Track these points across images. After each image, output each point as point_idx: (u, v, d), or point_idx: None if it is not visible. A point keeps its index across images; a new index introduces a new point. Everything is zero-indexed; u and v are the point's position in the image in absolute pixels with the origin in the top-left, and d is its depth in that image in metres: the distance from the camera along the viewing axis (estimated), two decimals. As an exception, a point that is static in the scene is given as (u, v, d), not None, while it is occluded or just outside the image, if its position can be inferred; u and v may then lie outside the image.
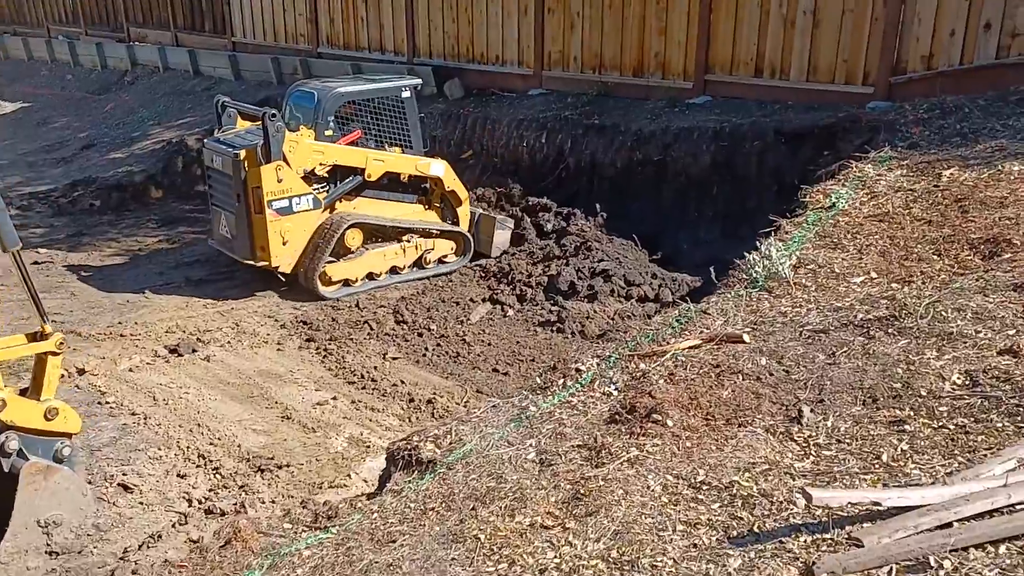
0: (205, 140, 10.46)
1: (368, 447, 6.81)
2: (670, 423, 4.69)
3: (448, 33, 14.92)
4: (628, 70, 12.83)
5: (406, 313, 9.36)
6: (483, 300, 9.96)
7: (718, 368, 5.36)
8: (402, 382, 7.80)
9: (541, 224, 11.31)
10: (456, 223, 11.15)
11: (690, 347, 5.78)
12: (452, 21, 14.81)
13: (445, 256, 11.00)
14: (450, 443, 5.14)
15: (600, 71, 13.12)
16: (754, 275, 6.93)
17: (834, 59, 10.89)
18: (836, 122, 10.18)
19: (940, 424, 4.20)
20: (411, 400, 7.49)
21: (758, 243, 7.54)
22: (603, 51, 13.02)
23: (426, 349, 8.57)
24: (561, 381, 5.65)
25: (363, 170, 10.17)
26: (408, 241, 10.62)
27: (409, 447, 5.17)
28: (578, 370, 5.71)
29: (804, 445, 4.30)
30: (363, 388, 7.75)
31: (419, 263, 10.78)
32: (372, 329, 8.99)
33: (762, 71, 11.52)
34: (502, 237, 11.28)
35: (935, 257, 6.66)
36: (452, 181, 10.98)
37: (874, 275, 6.57)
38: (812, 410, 4.58)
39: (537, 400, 5.50)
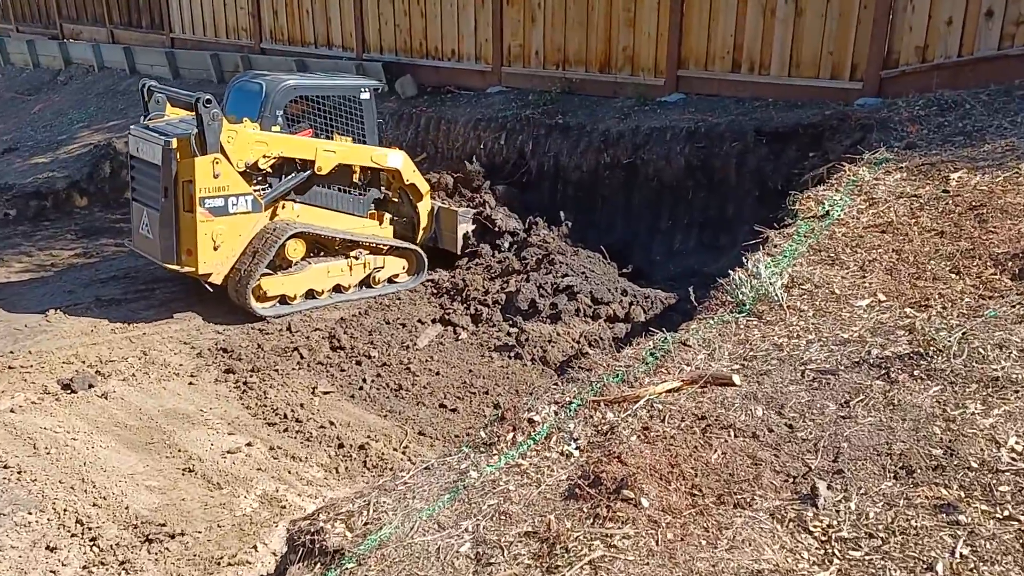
0: (132, 127, 9.25)
1: (283, 508, 5.66)
2: (645, 502, 3.61)
3: (400, 27, 13.80)
4: (594, 66, 11.79)
5: (344, 337, 8.22)
6: (433, 321, 8.84)
7: (704, 420, 4.30)
8: (332, 423, 6.66)
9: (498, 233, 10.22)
10: (413, 236, 10.13)
11: (668, 391, 4.72)
12: (404, 14, 13.69)
13: (396, 275, 9.85)
14: (365, 523, 4.02)
15: (564, 67, 12.07)
16: (740, 297, 5.90)
17: (819, 51, 9.93)
18: (822, 120, 9.20)
19: (1006, 514, 3.16)
20: (341, 446, 6.36)
21: (743, 258, 6.51)
22: (567, 45, 11.98)
23: (364, 381, 7.44)
24: (510, 436, 4.55)
25: (312, 163, 9.02)
26: (356, 257, 9.52)
27: (313, 530, 4.04)
28: (531, 421, 4.61)
29: (824, 540, 3.24)
30: (285, 431, 6.60)
31: (367, 282, 9.65)
32: (303, 357, 7.83)
33: (740, 65, 10.54)
34: (466, 231, 10.26)
35: (953, 276, 5.66)
36: (411, 173, 9.96)
37: (882, 297, 5.56)
38: (829, 486, 3.52)
39: (480, 461, 4.40)
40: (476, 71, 12.99)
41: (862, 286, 5.77)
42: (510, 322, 8.67)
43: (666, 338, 5.53)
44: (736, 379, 4.67)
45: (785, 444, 3.95)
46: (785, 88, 10.14)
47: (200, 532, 5.39)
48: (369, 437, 6.51)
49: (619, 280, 9.23)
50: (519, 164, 11.17)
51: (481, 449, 4.54)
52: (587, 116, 11.00)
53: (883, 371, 4.39)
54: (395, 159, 9.76)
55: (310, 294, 9.22)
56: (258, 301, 8.78)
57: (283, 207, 9.03)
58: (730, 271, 6.22)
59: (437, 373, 7.68)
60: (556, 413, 4.67)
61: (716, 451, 3.98)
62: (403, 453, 6.29)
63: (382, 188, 10.06)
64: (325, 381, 7.46)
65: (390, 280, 9.81)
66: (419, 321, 8.78)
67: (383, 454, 6.24)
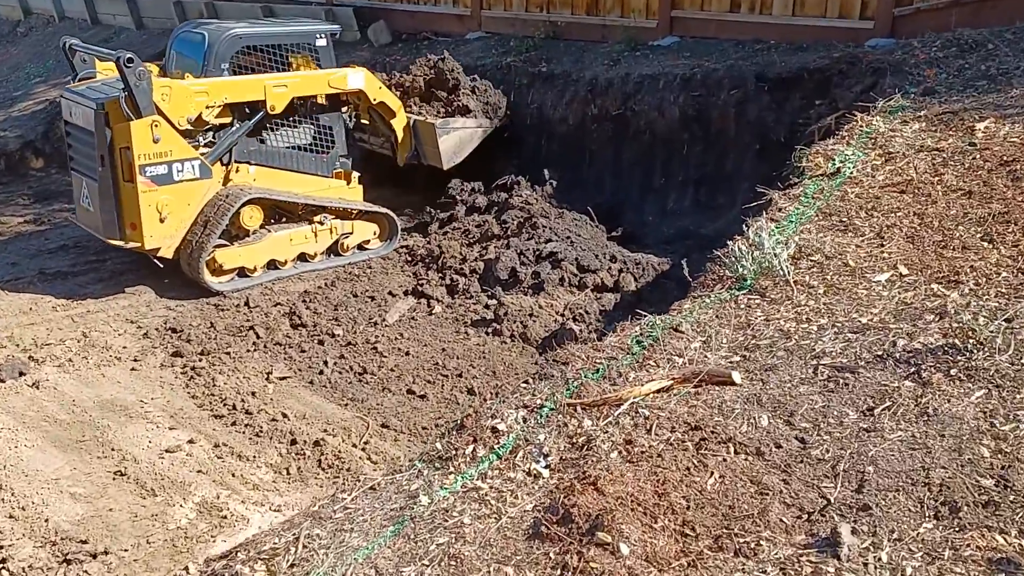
0: (64, 90, 8.42)
1: (224, 518, 5.00)
2: (625, 548, 2.92)
3: (373, -32, 12.82)
4: (581, 8, 10.87)
5: (306, 313, 7.49)
6: (405, 293, 8.10)
7: (698, 432, 3.60)
8: (285, 415, 5.96)
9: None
10: (395, 156, 9.49)
11: (657, 391, 4.02)
12: (377, -46, 12.71)
13: (367, 241, 9.06)
14: (291, 564, 3.34)
15: (548, 9, 11.15)
16: (741, 271, 5.17)
17: (826, -12, 9.04)
18: (830, 64, 8.36)
19: (1086, 577, 2.47)
20: (294, 442, 5.67)
21: (743, 224, 5.76)
22: (552, -14, 11.05)
23: (325, 364, 6.73)
24: (470, 448, 3.85)
25: (264, 103, 8.17)
26: (321, 223, 8.71)
27: (228, 574, 3.36)
28: (495, 431, 3.91)
29: (850, 609, 2.56)
30: (232, 425, 5.91)
31: (335, 249, 8.89)
32: (259, 337, 7.11)
33: (739, 5, 9.64)
34: (451, 142, 9.38)
35: (986, 244, 4.92)
36: (377, 91, 9.05)
37: (904, 271, 4.82)
38: (854, 529, 2.83)
39: (433, 481, 3.71)
40: (454, 15, 12.05)
41: (880, 257, 5.04)
42: (488, 293, 7.94)
43: (655, 322, 4.81)
44: (736, 377, 3.96)
45: (797, 465, 3.26)
46: (789, 29, 9.25)
47: (126, 551, 4.73)
48: (326, 431, 5.82)
49: (608, 245, 8.47)
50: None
51: (436, 465, 3.85)
52: (573, 63, 10.13)
53: (912, 369, 3.68)
54: (356, 79, 8.80)
55: (272, 265, 8.45)
56: (214, 275, 8.03)
57: (237, 171, 8.21)
58: (728, 241, 5.47)
59: (407, 353, 6.97)
60: (524, 420, 3.96)
61: (713, 474, 3.29)
62: (363, 450, 5.61)
63: (351, 116, 9.23)
64: (282, 365, 6.75)
65: (360, 247, 9.04)
66: (390, 293, 8.05)
67: (340, 452, 5.56)
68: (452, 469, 3.75)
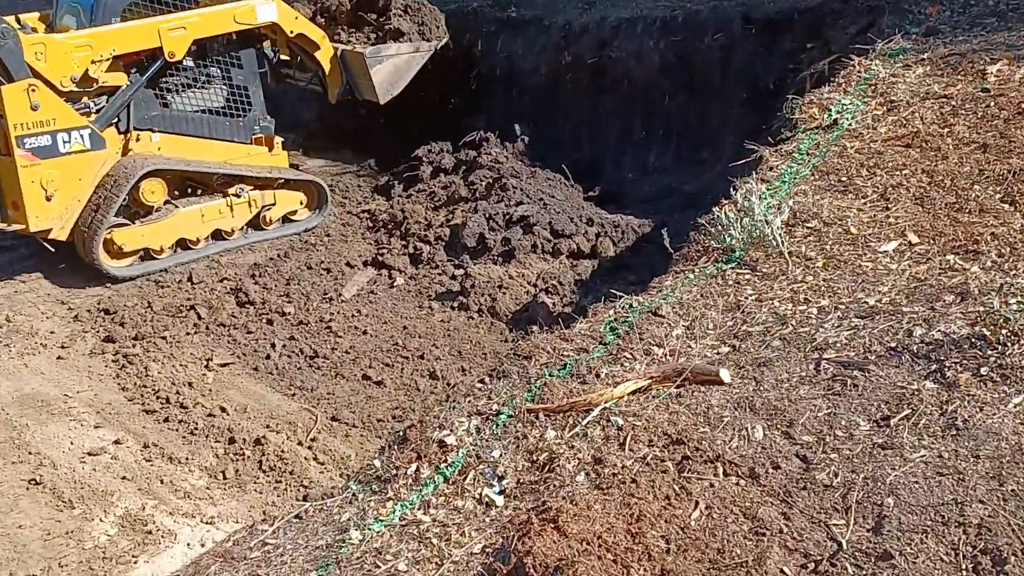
0: None
1: (149, 534, 4.43)
2: (591, 613, 2.35)
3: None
4: (553, -54, 10.04)
5: (254, 289, 6.85)
6: (365, 263, 7.46)
7: (680, 447, 3.02)
8: (224, 409, 5.36)
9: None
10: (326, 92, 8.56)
11: (632, 392, 3.43)
12: None
13: (294, 212, 8.15)
14: (192, 625, 2.77)
15: (518, -52, 10.31)
16: (729, 240, 4.55)
17: (818, -81, 8.27)
18: (823, 3, 7.67)
19: None
20: (232, 440, 5.08)
21: (731, 186, 5.13)
22: (521, -78, 10.19)
23: (272, 347, 6.11)
24: (413, 468, 3.27)
25: (161, 50, 7.16)
26: (237, 195, 7.68)
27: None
28: (442, 445, 3.32)
29: None
30: (165, 421, 5.31)
31: (256, 224, 7.92)
32: (201, 318, 6.48)
33: (723, -60, 8.87)
34: (385, 72, 8.31)
35: (1007, 206, 4.32)
36: (294, 22, 7.94)
37: (914, 239, 4.23)
38: (875, 588, 2.26)
39: (368, 510, 3.13)
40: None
41: (886, 222, 4.43)
42: (455, 262, 7.31)
43: (631, 304, 4.21)
44: (725, 375, 3.37)
45: (799, 493, 2.69)
46: (777, -35, 8.51)
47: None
48: (269, 427, 5.24)
49: (584, 206, 7.83)
50: (467, 69, 9.58)
51: (372, 488, 3.27)
52: (544, 7, 9.37)
53: (933, 366, 3.10)
54: (267, 10, 7.66)
55: (182, 244, 7.50)
56: (113, 258, 7.14)
57: (137, 140, 7.27)
58: (714, 207, 4.84)
59: (364, 332, 6.36)
60: (478, 430, 3.38)
61: (698, 504, 2.72)
62: (309, 448, 5.04)
63: (270, 53, 8.16)
64: (224, 349, 6.14)
65: (286, 219, 8.12)
66: (348, 264, 7.40)
67: (284, 451, 4.98)
68: (391, 494, 3.17)
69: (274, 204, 7.96)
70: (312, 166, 9.85)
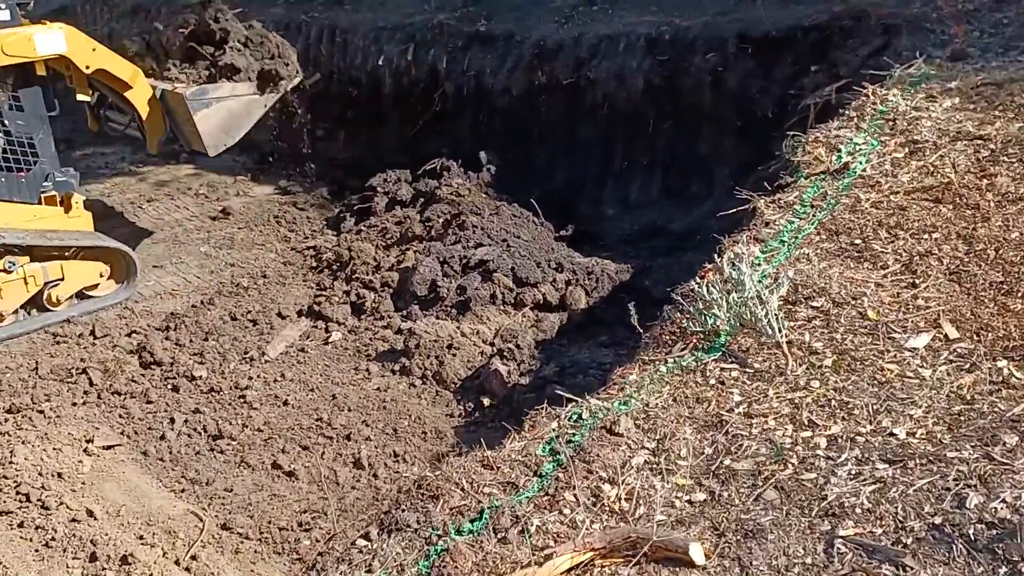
0: None
1: None
2: None
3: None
4: (531, -47, 9.11)
5: (163, 347, 5.86)
6: (299, 313, 6.47)
7: None
8: (92, 513, 4.35)
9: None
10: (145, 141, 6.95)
11: (566, 572, 2.44)
12: None
13: (94, 286, 6.65)
14: None
15: (493, -44, 9.37)
16: (712, 323, 3.57)
17: (824, -75, 7.33)
18: (830, 20, 6.72)
19: None
20: (93, 557, 4.08)
21: (717, 250, 4.14)
22: (496, -73, 9.25)
23: (171, 422, 5.12)
24: None
25: None
26: (6, 270, 6.10)
27: None
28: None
29: None
30: (19, 527, 4.30)
31: (40, 303, 6.38)
32: (94, 384, 5.48)
33: (718, -52, 7.93)
34: (215, 119, 6.78)
35: (1071, 290, 3.35)
36: (91, 55, 6.36)
37: (952, 332, 3.24)
38: None
39: None
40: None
41: (914, 305, 3.45)
42: (403, 313, 6.33)
43: (580, 415, 3.22)
44: (696, 553, 2.38)
45: None
46: (778, -23, 7.56)
47: None
48: (143, 538, 4.23)
49: (555, 248, 6.85)
50: (432, 87, 8.61)
51: None
52: (517, 21, 8.40)
53: (1003, 569, 2.10)
54: (52, 41, 6.10)
55: None
56: None
57: None
58: (696, 279, 3.86)
59: (284, 403, 5.37)
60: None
61: None
62: (186, 570, 4.02)
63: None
64: (112, 426, 5.14)
65: (82, 294, 6.62)
66: (279, 314, 6.40)
67: (152, 574, 3.96)
68: None
69: (62, 279, 6.42)
70: (260, 193, 8.91)
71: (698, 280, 3.82)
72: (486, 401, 5.31)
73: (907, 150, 4.56)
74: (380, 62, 8.78)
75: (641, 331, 3.86)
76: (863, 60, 6.28)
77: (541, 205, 7.42)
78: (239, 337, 6.09)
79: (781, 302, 3.64)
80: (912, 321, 3.36)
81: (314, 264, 7.29)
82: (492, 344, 5.90)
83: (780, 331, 3.39)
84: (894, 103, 5.07)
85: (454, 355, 5.70)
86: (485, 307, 6.20)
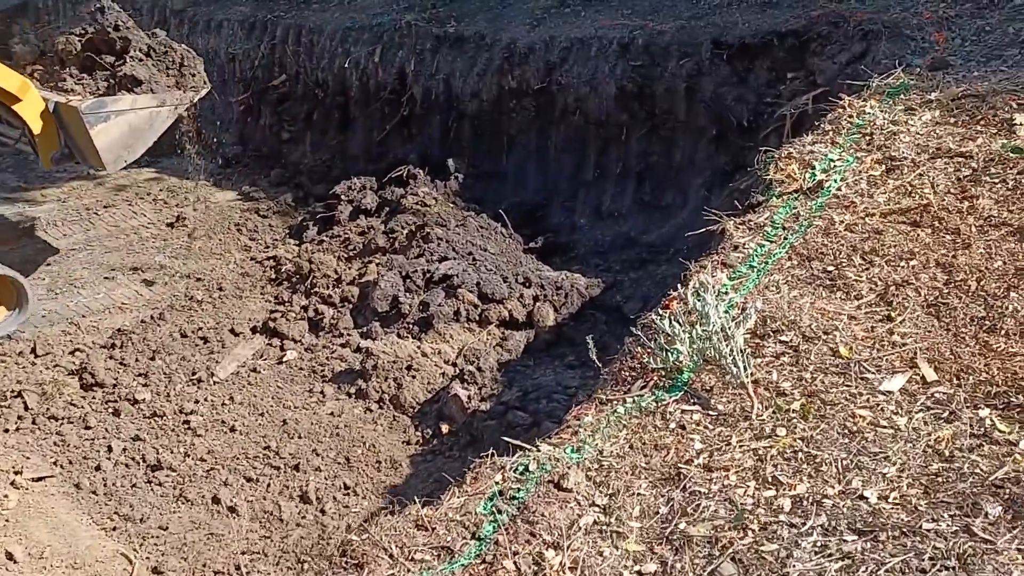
0: None
1: None
2: None
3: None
4: (503, -48, 8.83)
5: (105, 367, 5.57)
6: (254, 330, 6.18)
7: None
8: (11, 556, 4.05)
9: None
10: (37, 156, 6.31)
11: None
12: None
13: None
14: None
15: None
16: (673, 359, 3.32)
17: (802, -74, 7.09)
18: (808, 25, 6.46)
19: None
20: (10, 606, 3.81)
21: (682, 277, 3.90)
22: (468, -75, 8.96)
23: (109, 451, 4.83)
24: None
25: None
26: None
27: None
28: None
29: None
30: (-66, 571, 4.02)
31: None
32: (29, 408, 5.18)
33: (694, -51, 7.67)
34: (114, 133, 6.15)
35: (1059, 328, 3.12)
36: None
37: (930, 374, 3.00)
38: None
39: None
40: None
41: (889, 341, 3.21)
42: (363, 330, 6.05)
43: (527, 467, 2.96)
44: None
45: None
46: (755, -20, 7.32)
47: None
48: (66, 583, 3.93)
49: (523, 261, 6.60)
50: (400, 91, 8.32)
51: None
52: (488, 22, 8.12)
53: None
54: None
55: None
56: None
57: None
58: (657, 313, 3.60)
59: (231, 429, 5.09)
60: None
61: None
62: (109, 621, 3.74)
63: None
64: (45, 456, 4.84)
65: None
66: (232, 331, 6.11)
67: (72, 627, 3.69)
68: None
69: None
70: (222, 199, 8.60)
71: (660, 312, 3.56)
72: (444, 428, 5.05)
73: (884, 167, 4.32)
74: (347, 64, 8.47)
75: (600, 365, 3.60)
76: (841, 68, 6.05)
77: (511, 215, 7.17)
78: (188, 356, 5.80)
79: (749, 335, 3.40)
80: (887, 359, 3.12)
81: (273, 276, 7.00)
82: (455, 364, 5.64)
83: (746, 370, 3.14)
84: (871, 116, 4.83)
85: (413, 377, 5.44)
86: (448, 325, 5.94)
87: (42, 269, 7.12)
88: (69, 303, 6.57)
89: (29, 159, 9.59)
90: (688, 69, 6.86)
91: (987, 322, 3.18)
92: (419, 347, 5.73)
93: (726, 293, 3.70)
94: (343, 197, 7.59)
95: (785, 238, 4.01)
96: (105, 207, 8.41)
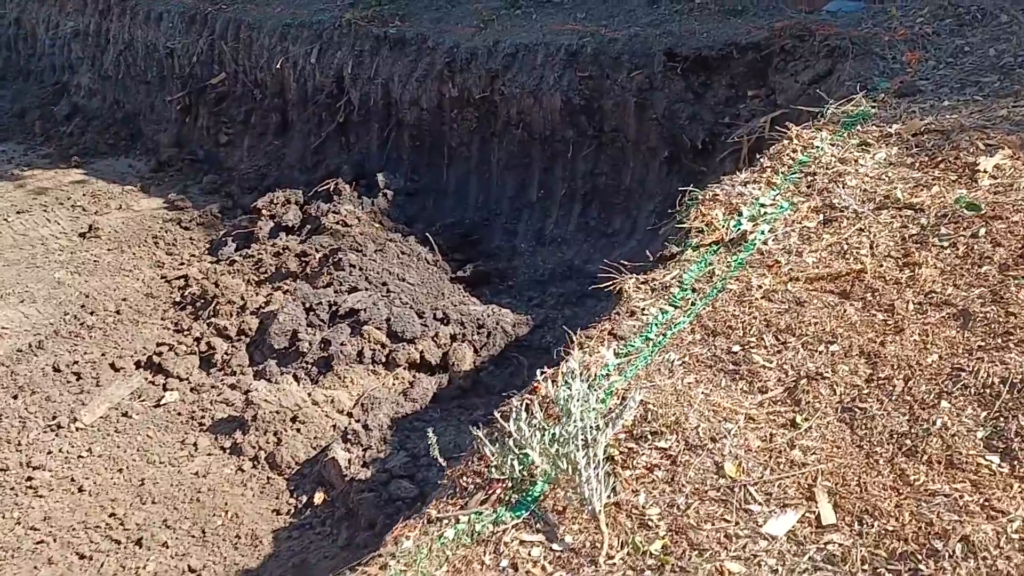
0: None
1: None
2: None
3: None
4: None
5: (-41, 407, 4.97)
6: (137, 365, 5.54)
7: None
8: None
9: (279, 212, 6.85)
10: None
11: None
12: None
13: None
14: None
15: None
16: (521, 468, 2.66)
17: (773, -75, 6.40)
18: (770, 38, 5.77)
19: None
20: None
21: (555, 355, 3.23)
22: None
23: (-72, 515, 4.23)
24: None
25: None
26: None
27: None
28: None
29: None
30: None
31: None
32: None
33: (657, -53, 6.97)
34: None
35: (998, 462, 2.41)
36: None
37: (827, 513, 2.33)
38: None
39: None
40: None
41: (787, 458, 2.55)
42: (257, 369, 5.42)
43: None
44: None
45: None
46: (718, -17, 6.63)
47: None
48: None
49: (446, 293, 5.94)
50: (338, 96, 7.66)
51: None
52: (432, 23, 7.45)
53: None
54: None
55: None
56: None
57: None
58: (512, 399, 2.94)
59: (80, 489, 4.47)
60: None
61: None
62: None
63: None
64: None
65: None
66: (112, 365, 5.49)
67: None
68: None
69: None
70: (146, 207, 7.98)
71: (517, 402, 2.89)
72: (319, 497, 4.41)
73: (821, 217, 3.64)
74: (285, 63, 7.82)
75: (443, 464, 2.94)
76: (803, 88, 5.38)
77: (445, 236, 6.53)
78: (53, 396, 5.17)
79: (624, 435, 2.74)
80: (781, 485, 2.45)
81: (179, 299, 6.37)
82: (350, 414, 5.00)
83: (601, 495, 2.48)
84: (819, 151, 4.14)
85: (298, 431, 4.80)
86: (350, 367, 5.29)
87: (-73, 284, 6.52)
88: (-57, 326, 5.97)
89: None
90: (639, 82, 6.18)
91: (908, 441, 2.51)
92: (310, 394, 5.08)
93: (607, 375, 3.03)
94: (264, 212, 6.96)
95: (692, 303, 3.34)
96: (19, 212, 7.80)
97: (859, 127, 4.33)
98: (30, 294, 6.44)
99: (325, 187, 6.95)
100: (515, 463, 2.66)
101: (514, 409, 2.81)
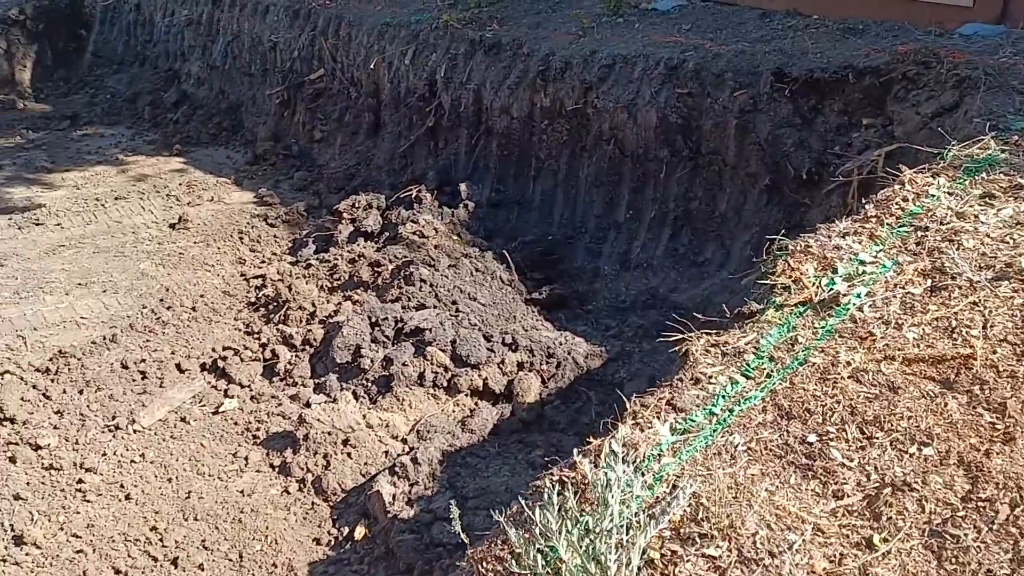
0: None
1: None
2: None
3: None
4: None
5: (22, 398, 4.99)
6: (202, 367, 5.48)
7: None
8: None
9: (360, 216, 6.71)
10: None
11: None
12: None
13: None
14: None
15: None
16: (545, 566, 2.36)
17: (906, -64, 5.82)
18: (891, 62, 5.23)
19: None
20: None
21: (593, 433, 2.89)
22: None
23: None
24: None
25: None
26: None
27: None
28: None
29: None
30: None
31: None
32: (-79, 444, 4.67)
33: (775, -44, 6.49)
34: None
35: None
36: None
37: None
38: None
39: None
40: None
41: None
42: (318, 381, 5.28)
43: None
44: None
45: None
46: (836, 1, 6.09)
47: None
48: None
49: (519, 316, 5.66)
50: (429, 98, 7.47)
51: None
52: (530, 28, 7.16)
53: None
54: None
55: None
56: None
57: None
58: (545, 480, 2.63)
59: (127, 497, 4.41)
60: None
61: None
62: None
63: None
64: (-94, 511, 4.26)
65: None
66: (178, 367, 5.45)
67: None
68: None
69: None
70: (236, 200, 8.01)
71: (547, 485, 2.58)
72: (360, 532, 4.21)
73: (929, 284, 3.16)
74: (380, 62, 7.68)
75: (467, 542, 2.65)
76: (924, 121, 4.82)
77: (527, 252, 6.26)
78: (116, 394, 5.16)
79: (670, 532, 2.40)
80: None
81: (253, 299, 6.32)
82: (404, 440, 4.79)
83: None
84: (934, 201, 3.65)
85: (348, 455, 4.62)
86: (410, 389, 5.08)
87: (20, 266, 6.68)
88: (27, 311, 6.08)
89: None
90: (742, 103, 5.72)
91: (1011, 589, 2.07)
92: (365, 416, 4.89)
93: (658, 455, 2.68)
94: (345, 215, 6.84)
95: (767, 375, 2.94)
96: (116, 199, 7.96)
97: (984, 174, 3.81)
98: (113, 284, 6.51)
99: (407, 193, 6.77)
100: (539, 557, 2.36)
101: (546, 490, 2.51)
